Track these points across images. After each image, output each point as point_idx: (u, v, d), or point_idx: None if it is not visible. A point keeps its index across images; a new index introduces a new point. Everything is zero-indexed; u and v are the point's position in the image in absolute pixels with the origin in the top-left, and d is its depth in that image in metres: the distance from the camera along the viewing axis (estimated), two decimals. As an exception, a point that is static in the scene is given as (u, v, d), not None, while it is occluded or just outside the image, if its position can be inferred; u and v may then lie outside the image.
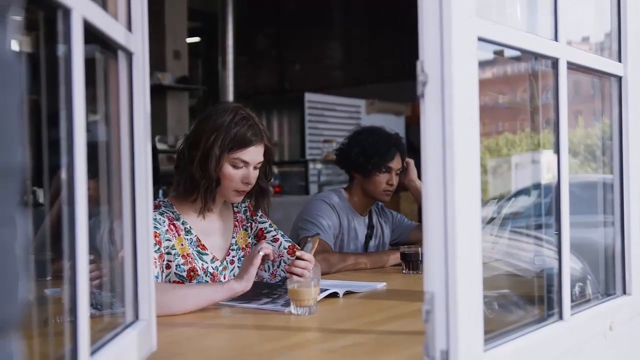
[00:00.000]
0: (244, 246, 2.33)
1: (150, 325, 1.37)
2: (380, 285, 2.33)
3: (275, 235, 2.36)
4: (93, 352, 1.06)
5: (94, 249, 1.12)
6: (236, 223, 2.34)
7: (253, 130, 2.15)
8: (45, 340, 1.11)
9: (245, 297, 2.01)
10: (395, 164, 2.96)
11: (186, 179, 2.17)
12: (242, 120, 2.14)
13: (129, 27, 1.31)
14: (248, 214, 2.38)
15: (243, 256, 2.30)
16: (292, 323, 1.78)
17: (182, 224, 2.20)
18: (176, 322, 1.80)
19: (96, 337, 1.12)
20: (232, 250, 2.30)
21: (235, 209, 2.37)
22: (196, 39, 10.55)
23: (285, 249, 2.33)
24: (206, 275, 2.18)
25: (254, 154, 2.17)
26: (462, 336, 1.14)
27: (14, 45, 0.59)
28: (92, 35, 1.08)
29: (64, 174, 0.96)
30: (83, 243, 0.98)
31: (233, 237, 2.32)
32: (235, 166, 2.15)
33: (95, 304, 1.26)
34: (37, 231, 1.52)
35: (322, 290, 2.03)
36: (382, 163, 2.93)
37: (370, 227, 3.10)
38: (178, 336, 1.67)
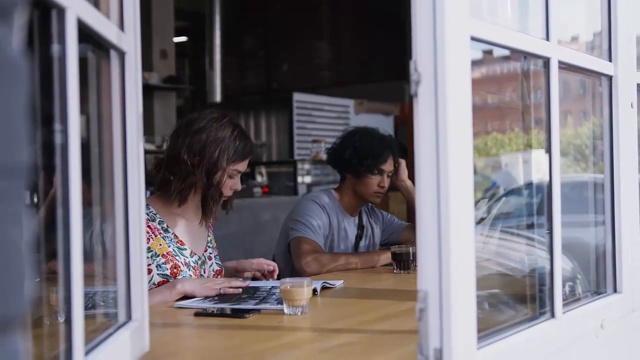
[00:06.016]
0: (215, 246, 2.44)
1: (143, 325, 1.37)
2: (338, 283, 2.32)
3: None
4: (87, 353, 1.05)
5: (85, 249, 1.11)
6: (209, 224, 2.43)
7: (250, 143, 2.29)
8: (37, 341, 1.10)
9: (239, 299, 2.00)
10: (388, 166, 2.95)
11: (189, 186, 2.22)
12: (240, 134, 2.26)
13: (122, 26, 1.31)
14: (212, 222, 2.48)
15: (217, 255, 2.41)
16: (285, 323, 1.78)
17: (159, 223, 2.24)
18: (168, 322, 1.79)
19: (88, 338, 1.11)
20: (209, 247, 2.38)
21: None
22: (183, 39, 10.51)
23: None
24: (189, 269, 2.23)
25: (246, 164, 2.30)
26: (456, 334, 1.14)
27: (19, 45, 0.59)
28: (84, 34, 1.08)
29: (58, 176, 0.95)
30: (77, 243, 0.97)
31: (208, 236, 2.41)
32: (231, 176, 2.26)
33: (86, 304, 1.26)
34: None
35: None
36: (375, 165, 2.92)
37: (361, 227, 3.09)
38: (170, 336, 1.67)
